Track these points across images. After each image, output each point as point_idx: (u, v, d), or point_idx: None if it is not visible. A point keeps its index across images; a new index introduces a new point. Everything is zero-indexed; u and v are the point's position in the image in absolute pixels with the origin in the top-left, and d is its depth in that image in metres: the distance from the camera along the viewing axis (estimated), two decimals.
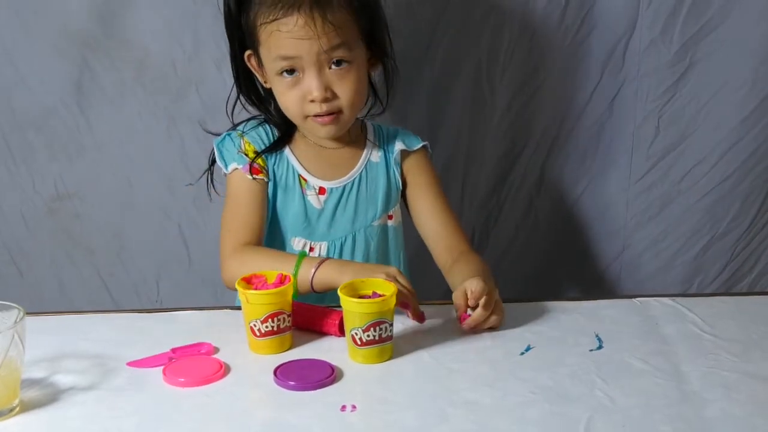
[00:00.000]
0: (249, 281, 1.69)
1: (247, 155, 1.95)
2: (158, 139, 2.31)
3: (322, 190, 1.96)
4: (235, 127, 2.00)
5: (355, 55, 1.88)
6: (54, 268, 2.43)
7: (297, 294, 1.76)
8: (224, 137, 1.99)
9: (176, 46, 2.25)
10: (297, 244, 1.97)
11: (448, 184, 2.37)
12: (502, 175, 2.42)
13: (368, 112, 2.04)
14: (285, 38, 1.82)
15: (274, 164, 1.96)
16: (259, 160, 1.95)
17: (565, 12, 2.28)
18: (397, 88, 2.03)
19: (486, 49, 2.29)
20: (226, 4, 1.91)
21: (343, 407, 1.48)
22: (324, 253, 1.97)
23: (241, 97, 2.00)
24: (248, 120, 2.02)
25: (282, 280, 1.68)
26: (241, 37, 1.93)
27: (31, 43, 2.24)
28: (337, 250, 1.97)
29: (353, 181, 1.98)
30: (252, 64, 1.95)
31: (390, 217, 2.02)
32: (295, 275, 1.78)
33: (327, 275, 1.78)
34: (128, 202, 2.35)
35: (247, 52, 1.94)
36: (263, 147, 1.96)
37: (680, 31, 2.28)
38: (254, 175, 1.94)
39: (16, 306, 1.50)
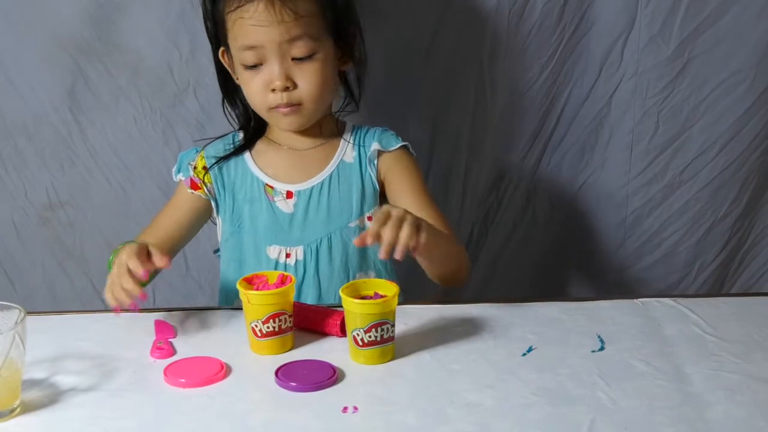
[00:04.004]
0: (250, 281, 1.69)
1: (195, 168, 1.99)
2: (155, 145, 2.31)
3: (289, 194, 1.96)
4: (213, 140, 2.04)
5: (320, 48, 1.88)
6: (46, 278, 2.43)
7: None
8: (190, 150, 2.04)
9: (172, 49, 2.25)
10: (272, 252, 1.97)
11: (451, 184, 2.38)
12: (500, 172, 2.42)
13: (342, 109, 2.04)
14: (247, 26, 1.85)
15: (234, 181, 1.98)
16: (202, 176, 1.98)
17: (564, 9, 2.27)
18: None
19: (486, 47, 2.28)
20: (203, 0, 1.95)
21: (345, 408, 1.48)
22: (300, 257, 1.96)
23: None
24: (225, 135, 2.05)
25: (283, 281, 1.68)
26: (216, 32, 1.96)
27: (23, 50, 2.23)
28: (313, 254, 1.96)
29: (323, 182, 1.97)
30: (225, 60, 1.98)
31: (369, 219, 1.99)
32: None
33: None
34: (123, 210, 2.35)
35: (221, 49, 1.97)
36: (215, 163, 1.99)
37: (679, 28, 2.28)
38: (192, 190, 1.99)
39: (17, 306, 1.50)
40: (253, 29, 1.85)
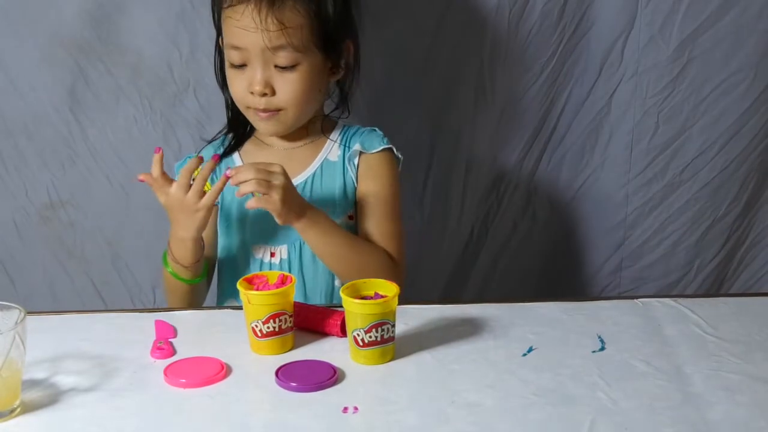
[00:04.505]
0: (251, 281, 1.69)
1: (193, 179, 1.97)
2: (155, 144, 2.28)
3: None
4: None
5: (304, 59, 1.89)
6: (47, 276, 2.43)
7: (197, 279, 1.97)
8: (185, 160, 2.03)
9: (172, 49, 2.25)
10: (257, 251, 1.99)
11: (451, 184, 2.38)
12: (501, 172, 2.42)
13: (332, 111, 2.04)
14: (234, 27, 1.87)
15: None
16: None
17: (564, 9, 2.28)
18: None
19: (486, 47, 2.29)
20: None
21: (345, 408, 1.48)
22: (285, 256, 1.97)
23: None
24: (215, 139, 2.07)
25: (283, 281, 1.68)
26: (217, 20, 1.97)
27: (23, 49, 2.23)
28: (297, 251, 1.97)
29: (306, 180, 1.98)
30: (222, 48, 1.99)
31: (350, 218, 2.00)
32: (176, 275, 1.94)
33: (175, 247, 1.92)
34: (123, 210, 2.35)
35: (220, 37, 1.98)
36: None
37: (679, 28, 2.28)
38: None
39: (17, 306, 1.49)
40: (238, 31, 1.86)
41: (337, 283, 1.97)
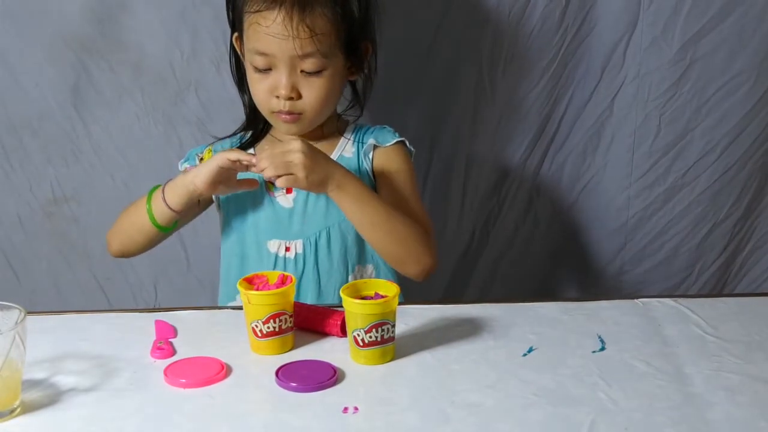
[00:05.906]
0: (251, 282, 1.69)
1: (201, 160, 2.00)
2: (156, 142, 2.32)
3: (289, 189, 1.97)
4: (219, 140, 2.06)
5: (330, 64, 1.90)
6: (51, 271, 2.43)
7: (161, 226, 1.94)
8: (200, 147, 2.05)
9: (174, 48, 2.26)
10: (272, 246, 1.99)
11: (451, 185, 2.38)
12: (502, 174, 2.42)
13: (345, 110, 2.06)
14: (262, 33, 1.86)
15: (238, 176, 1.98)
16: None
17: (566, 11, 2.27)
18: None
19: (488, 49, 2.29)
20: None
21: (345, 409, 1.48)
22: (300, 251, 1.97)
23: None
24: (234, 134, 2.07)
25: (283, 281, 1.68)
26: (234, 20, 1.97)
27: (26, 46, 2.24)
28: (313, 246, 1.97)
29: None
30: (238, 45, 1.99)
31: None
32: (149, 210, 1.93)
33: (173, 185, 1.91)
34: (125, 206, 2.34)
35: (235, 35, 1.98)
36: None
37: (681, 30, 2.28)
38: None
39: (17, 306, 1.49)
40: (267, 38, 1.86)
41: (350, 278, 1.97)
